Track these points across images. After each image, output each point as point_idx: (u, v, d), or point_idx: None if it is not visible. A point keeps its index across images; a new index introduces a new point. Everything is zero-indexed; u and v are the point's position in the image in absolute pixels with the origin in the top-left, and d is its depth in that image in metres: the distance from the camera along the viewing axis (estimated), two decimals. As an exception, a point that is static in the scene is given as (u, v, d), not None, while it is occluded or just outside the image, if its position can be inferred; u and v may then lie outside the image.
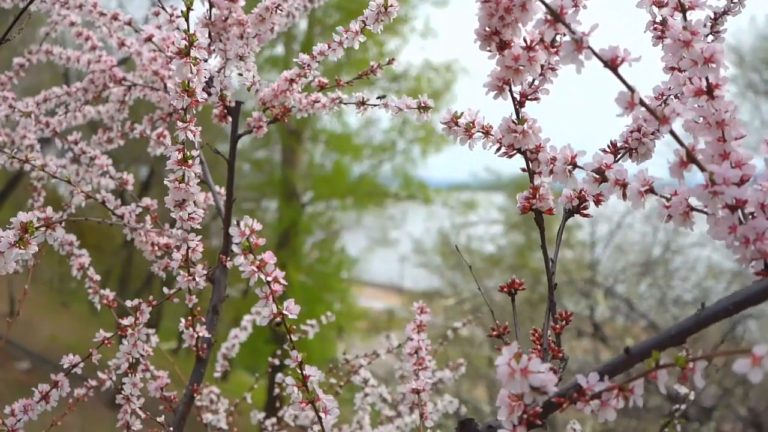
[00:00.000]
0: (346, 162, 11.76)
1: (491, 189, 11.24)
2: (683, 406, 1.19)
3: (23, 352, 8.81)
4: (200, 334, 1.07)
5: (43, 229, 0.71)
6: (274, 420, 1.49)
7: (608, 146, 0.77)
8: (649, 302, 7.21)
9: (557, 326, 0.71)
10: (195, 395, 1.09)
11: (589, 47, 0.56)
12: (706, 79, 0.60)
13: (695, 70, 0.60)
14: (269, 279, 0.70)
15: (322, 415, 0.72)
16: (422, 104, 0.95)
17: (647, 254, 7.74)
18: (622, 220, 7.27)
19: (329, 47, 1.01)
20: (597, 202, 0.75)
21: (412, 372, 1.07)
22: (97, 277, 1.20)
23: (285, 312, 0.71)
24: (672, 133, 0.57)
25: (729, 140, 0.60)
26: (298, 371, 0.73)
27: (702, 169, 0.57)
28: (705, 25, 0.79)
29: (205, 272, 1.00)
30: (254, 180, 11.81)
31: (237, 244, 0.69)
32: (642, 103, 0.56)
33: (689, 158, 0.58)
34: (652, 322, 6.61)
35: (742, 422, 6.03)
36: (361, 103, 1.04)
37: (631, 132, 0.76)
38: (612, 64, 0.57)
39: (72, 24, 1.29)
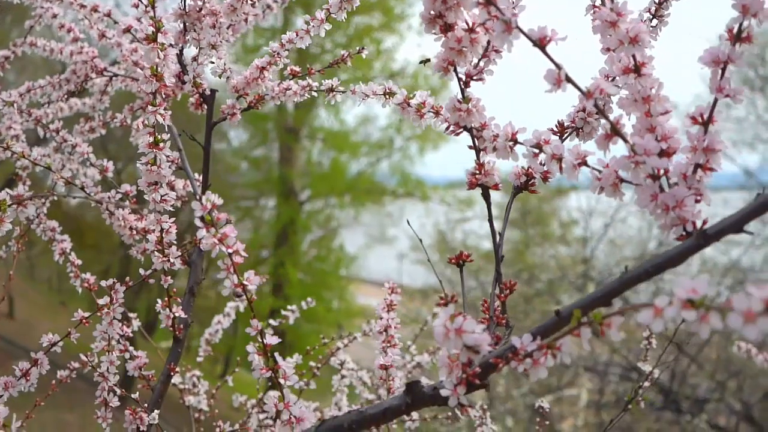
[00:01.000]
0: (344, 160, 11.80)
1: (489, 186, 11.26)
2: (646, 384, 1.22)
3: (22, 351, 8.86)
4: (176, 315, 1.11)
5: (14, 206, 0.75)
6: (254, 401, 1.53)
7: (555, 126, 0.81)
8: (643, 296, 7.25)
9: (502, 295, 0.75)
10: (172, 374, 1.13)
11: (518, 27, 0.60)
12: (633, 57, 0.64)
13: (622, 49, 0.64)
14: (231, 251, 0.73)
15: (281, 381, 0.76)
16: (387, 90, 0.98)
17: (643, 248, 7.77)
18: (616, 215, 7.31)
19: (297, 35, 1.05)
20: (545, 179, 0.79)
21: (380, 349, 1.11)
22: (79, 262, 1.23)
23: (245, 283, 0.74)
24: (597, 107, 0.61)
25: (655, 115, 0.64)
26: (260, 340, 0.77)
27: (625, 141, 0.61)
28: (649, 10, 0.83)
29: (180, 253, 1.04)
30: (252, 178, 11.85)
31: (199, 218, 0.72)
32: (568, 79, 0.60)
33: (613, 131, 0.61)
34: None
35: (736, 416, 6.07)
36: (330, 90, 1.08)
37: (577, 112, 0.80)
38: (540, 43, 0.60)
39: (54, 16, 1.33)
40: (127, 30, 1.17)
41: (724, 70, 0.62)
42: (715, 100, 0.62)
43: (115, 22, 1.27)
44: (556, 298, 7.31)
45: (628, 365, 6.65)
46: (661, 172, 0.61)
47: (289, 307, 1.53)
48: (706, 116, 0.62)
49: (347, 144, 11.75)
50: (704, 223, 0.60)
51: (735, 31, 0.61)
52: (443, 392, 0.65)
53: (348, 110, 11.97)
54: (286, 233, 11.09)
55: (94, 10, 1.25)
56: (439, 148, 11.50)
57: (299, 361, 1.39)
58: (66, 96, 1.45)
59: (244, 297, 0.74)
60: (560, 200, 10.38)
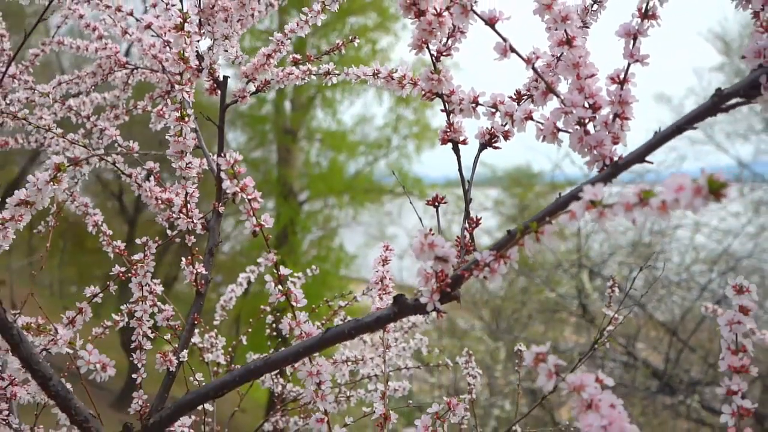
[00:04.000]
0: (342, 160, 11.96)
1: (486, 184, 11.49)
2: (610, 328, 1.39)
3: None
4: (199, 271, 1.28)
5: (72, 167, 0.92)
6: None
7: (514, 93, 0.98)
8: (637, 284, 7.42)
9: (470, 228, 0.92)
10: (195, 322, 1.30)
11: (473, 10, 0.77)
12: (565, 32, 0.81)
13: (557, 26, 0.81)
14: (250, 198, 0.91)
15: (293, 304, 0.94)
16: (375, 71, 1.16)
17: (639, 237, 7.97)
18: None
19: (297, 25, 1.22)
20: (506, 137, 0.96)
21: (377, 297, 1.28)
22: (110, 232, 1.40)
23: (263, 222, 0.92)
24: (534, 70, 0.78)
25: (583, 77, 0.81)
26: (274, 271, 0.94)
27: (557, 96, 0.78)
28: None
29: (202, 216, 1.21)
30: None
31: (224, 170, 0.90)
32: (512, 49, 0.77)
33: (548, 89, 0.79)
34: (641, 303, 6.84)
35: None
36: (327, 73, 1.26)
37: (531, 82, 0.97)
38: (491, 22, 0.78)
39: (81, 16, 1.50)
40: (148, 26, 1.35)
41: (635, 40, 0.79)
42: (628, 64, 0.79)
43: (137, 20, 1.44)
44: (552, 287, 7.48)
45: (625, 352, 6.84)
46: (587, 120, 0.78)
47: (296, 274, 1.70)
48: (622, 77, 0.80)
49: (345, 144, 11.91)
50: (620, 158, 0.77)
51: (643, 9, 0.78)
52: (422, 299, 0.82)
53: (345, 111, 12.16)
54: (286, 234, 11.25)
55: (118, 9, 1.42)
56: (436, 147, 11.67)
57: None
58: (90, 90, 1.62)
59: (261, 234, 0.91)
60: (556, 195, 10.53)
